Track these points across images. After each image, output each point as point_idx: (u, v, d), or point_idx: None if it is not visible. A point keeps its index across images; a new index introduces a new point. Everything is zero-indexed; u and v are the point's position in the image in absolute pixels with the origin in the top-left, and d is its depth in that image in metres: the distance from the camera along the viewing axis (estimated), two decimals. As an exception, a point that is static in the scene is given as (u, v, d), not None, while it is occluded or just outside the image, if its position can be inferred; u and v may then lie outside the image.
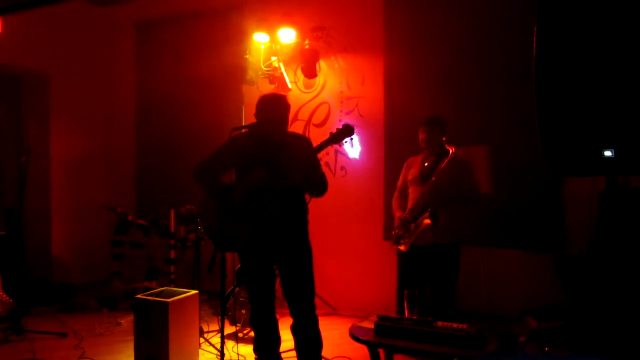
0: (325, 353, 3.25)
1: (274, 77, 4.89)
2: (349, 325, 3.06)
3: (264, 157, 2.98)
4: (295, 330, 3.11)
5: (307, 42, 4.90)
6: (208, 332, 4.18)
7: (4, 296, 4.15)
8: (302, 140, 3.23)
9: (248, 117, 5.47)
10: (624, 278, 2.48)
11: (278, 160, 2.94)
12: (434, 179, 3.43)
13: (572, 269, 3.54)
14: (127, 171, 6.48)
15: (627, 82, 2.12)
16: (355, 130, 5.08)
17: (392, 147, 4.78)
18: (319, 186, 3.05)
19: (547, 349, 3.02)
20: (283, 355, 3.31)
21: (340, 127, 2.84)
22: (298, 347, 3.12)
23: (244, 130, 3.18)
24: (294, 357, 3.23)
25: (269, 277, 3.15)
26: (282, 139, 3.09)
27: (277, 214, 2.93)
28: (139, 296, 3.53)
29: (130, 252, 5.34)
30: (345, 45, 5.08)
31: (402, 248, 3.55)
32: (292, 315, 3.11)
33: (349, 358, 3.67)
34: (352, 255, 5.04)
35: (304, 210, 3.16)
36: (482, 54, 4.34)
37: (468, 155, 4.02)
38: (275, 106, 3.07)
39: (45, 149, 5.94)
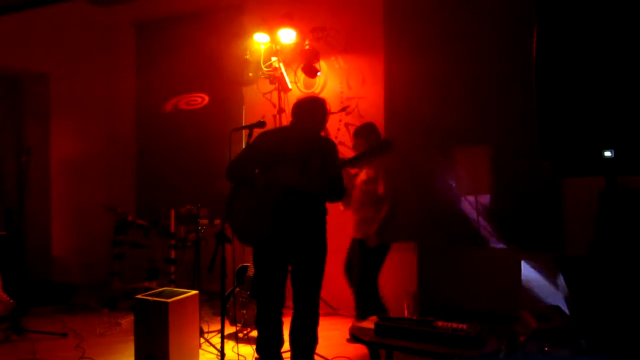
0: (325, 353, 3.26)
1: (274, 77, 4.89)
2: (349, 325, 3.06)
3: (296, 156, 3.04)
4: (292, 323, 3.16)
5: (307, 42, 4.90)
6: (208, 332, 4.18)
7: (4, 296, 4.15)
8: (330, 145, 3.25)
9: (248, 117, 5.47)
10: (624, 278, 2.48)
11: (310, 163, 3.01)
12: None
13: (572, 269, 3.54)
14: (127, 171, 6.48)
15: (627, 83, 2.13)
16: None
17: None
18: (339, 193, 3.17)
19: (547, 349, 3.02)
20: (282, 355, 3.31)
21: (381, 141, 3.01)
22: (292, 342, 3.16)
23: (243, 131, 3.21)
24: (294, 356, 3.23)
25: (281, 278, 3.18)
26: (315, 140, 3.16)
27: (298, 215, 3.01)
28: (139, 296, 3.53)
29: (130, 252, 5.34)
30: (345, 45, 5.08)
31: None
32: (294, 308, 3.15)
33: (349, 358, 3.67)
34: (352, 255, 5.03)
35: (323, 212, 3.21)
36: (482, 53, 4.34)
37: (468, 155, 4.03)
38: (314, 108, 3.18)
39: (45, 149, 5.94)
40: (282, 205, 3.02)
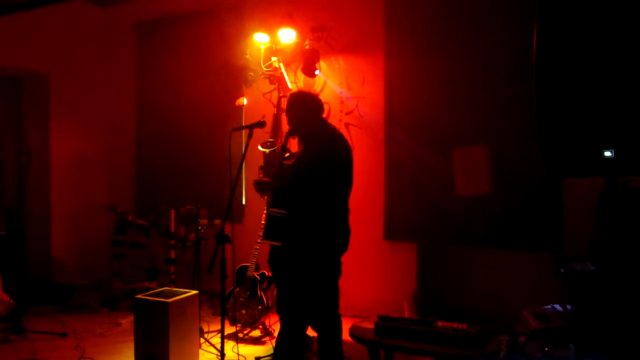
0: (325, 353, 3.24)
1: (274, 77, 4.88)
2: (349, 325, 3.05)
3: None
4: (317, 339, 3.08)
5: (307, 42, 4.90)
6: (208, 332, 4.18)
7: (4, 296, 4.15)
8: (328, 142, 2.96)
9: (248, 117, 5.47)
10: (624, 278, 2.48)
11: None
12: None
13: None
14: (127, 171, 6.48)
15: (627, 83, 2.12)
16: (355, 130, 5.11)
17: (392, 147, 4.78)
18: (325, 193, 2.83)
19: (547, 349, 3.02)
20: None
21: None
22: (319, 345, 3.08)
23: (243, 131, 3.20)
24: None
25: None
26: (303, 135, 3.07)
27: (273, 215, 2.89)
28: (139, 296, 3.53)
29: (130, 252, 5.34)
30: (345, 45, 5.08)
31: None
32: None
33: (349, 358, 3.67)
34: (352, 255, 5.02)
35: (323, 226, 2.87)
36: (482, 53, 4.34)
37: (467, 155, 4.03)
38: (297, 108, 3.06)
39: (45, 149, 5.94)
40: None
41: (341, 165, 2.91)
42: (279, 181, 2.86)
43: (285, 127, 3.57)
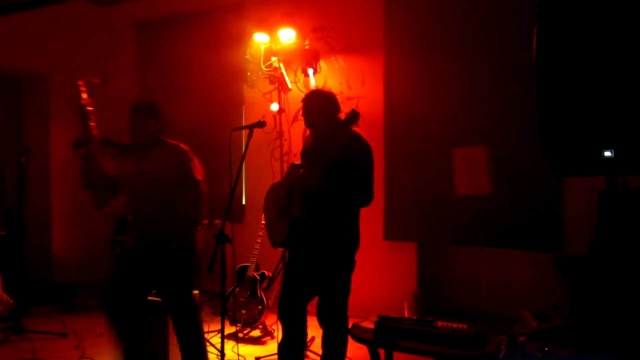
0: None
1: (274, 77, 4.88)
2: (349, 325, 3.05)
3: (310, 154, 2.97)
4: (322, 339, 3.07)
5: (307, 42, 4.90)
6: (208, 332, 4.17)
7: (4, 296, 4.15)
8: (351, 141, 2.92)
9: (248, 117, 5.47)
10: (624, 278, 2.48)
11: (314, 158, 2.88)
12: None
13: (572, 269, 3.54)
14: (127, 171, 6.46)
15: (627, 83, 2.13)
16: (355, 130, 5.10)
17: (392, 147, 4.78)
18: (352, 194, 2.91)
19: (547, 349, 3.02)
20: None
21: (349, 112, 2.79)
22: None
23: (243, 131, 3.18)
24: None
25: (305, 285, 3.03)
26: (321, 135, 2.99)
27: (308, 219, 2.86)
28: (139, 296, 3.52)
29: (130, 252, 5.33)
30: (345, 45, 5.08)
31: None
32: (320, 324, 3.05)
33: (349, 358, 3.66)
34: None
35: (343, 224, 2.99)
36: (482, 53, 4.34)
37: (467, 155, 4.03)
38: (316, 102, 3.02)
39: (45, 149, 5.94)
40: (289, 204, 2.96)
41: (364, 160, 2.96)
42: (307, 183, 2.83)
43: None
